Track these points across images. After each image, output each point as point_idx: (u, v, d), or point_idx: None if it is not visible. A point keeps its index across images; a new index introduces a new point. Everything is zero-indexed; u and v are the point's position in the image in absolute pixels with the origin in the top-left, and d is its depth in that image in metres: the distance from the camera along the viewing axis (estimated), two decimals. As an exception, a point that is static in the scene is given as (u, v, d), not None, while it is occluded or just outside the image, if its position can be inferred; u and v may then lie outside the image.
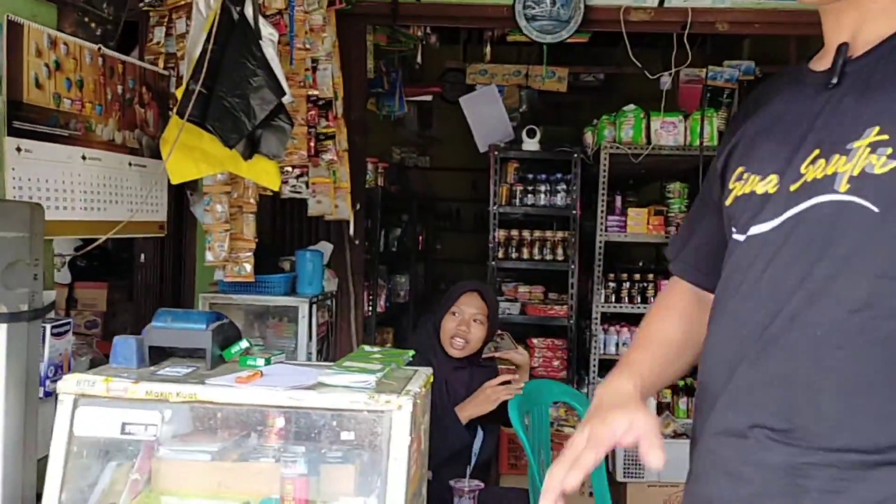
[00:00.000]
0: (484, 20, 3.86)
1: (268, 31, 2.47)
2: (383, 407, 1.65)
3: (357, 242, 3.83)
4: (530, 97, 5.25)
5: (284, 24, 2.88)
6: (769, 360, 0.95)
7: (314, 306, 3.25)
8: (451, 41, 5.71)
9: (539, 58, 5.35)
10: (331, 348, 3.63)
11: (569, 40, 3.83)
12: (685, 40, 3.70)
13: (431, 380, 1.94)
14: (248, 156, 2.42)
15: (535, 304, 4.48)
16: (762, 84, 1.21)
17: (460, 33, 5.61)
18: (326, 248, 3.58)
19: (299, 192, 3.11)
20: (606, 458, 2.94)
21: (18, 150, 1.93)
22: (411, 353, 2.04)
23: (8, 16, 1.91)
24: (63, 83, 2.11)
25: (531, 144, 4.47)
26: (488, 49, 5.06)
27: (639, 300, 4.10)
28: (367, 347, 2.12)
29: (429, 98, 5.58)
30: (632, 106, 4.18)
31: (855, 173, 0.91)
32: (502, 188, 4.55)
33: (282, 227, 3.84)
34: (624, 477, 3.59)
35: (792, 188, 0.98)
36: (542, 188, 4.51)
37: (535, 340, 4.38)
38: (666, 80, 4.10)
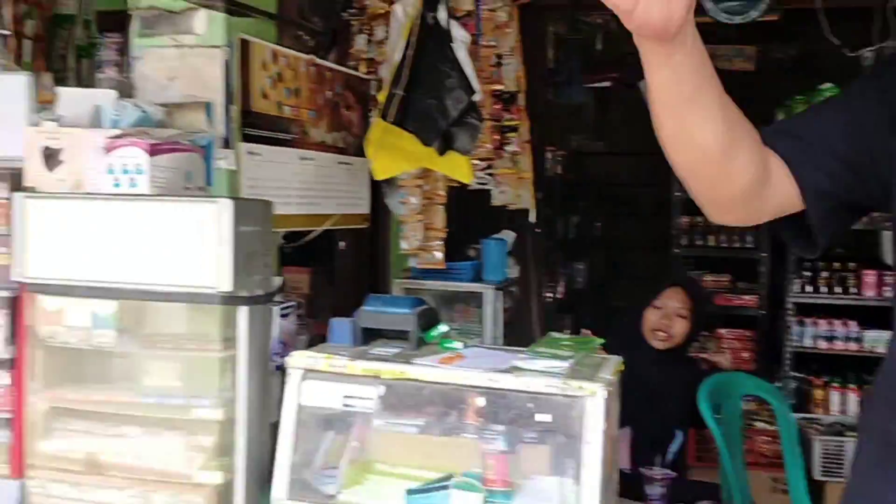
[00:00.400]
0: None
1: (460, 34, 2.61)
2: (577, 392, 1.74)
3: (538, 231, 3.93)
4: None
5: (473, 24, 3.01)
6: None
7: (499, 292, 3.39)
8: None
9: (725, 36, 5.16)
10: (514, 334, 3.75)
11: (759, 18, 3.69)
12: (889, 13, 3.45)
13: (622, 368, 1.99)
14: (442, 152, 2.58)
15: (722, 293, 4.37)
16: None
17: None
18: (509, 236, 3.70)
19: (485, 184, 3.25)
20: (804, 454, 2.85)
21: (250, 154, 2.19)
22: (599, 341, 2.11)
23: (241, 36, 2.17)
24: (283, 92, 2.36)
25: (717, 129, 4.33)
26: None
27: (838, 290, 3.89)
28: (555, 334, 2.21)
29: (607, 84, 5.55)
30: (829, 84, 3.96)
31: None
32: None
33: (467, 216, 4.00)
34: (822, 475, 3.45)
35: None
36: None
37: (722, 331, 4.28)
38: (868, 56, 3.83)
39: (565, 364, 1.83)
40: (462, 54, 2.60)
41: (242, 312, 1.86)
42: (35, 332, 1.92)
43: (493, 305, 3.36)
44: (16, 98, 2.09)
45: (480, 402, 1.84)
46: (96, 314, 1.86)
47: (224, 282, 1.80)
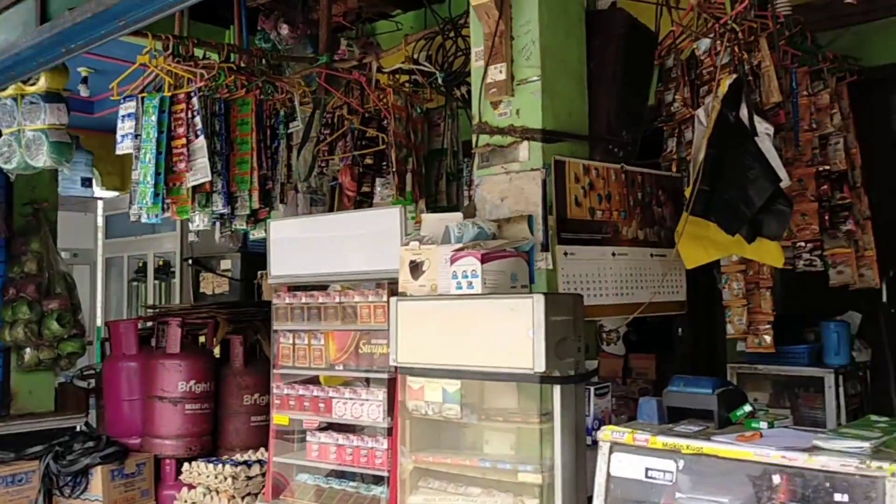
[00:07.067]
0: None
1: (763, 127, 2.74)
2: (875, 473, 1.74)
3: (893, 311, 3.66)
4: None
5: (785, 112, 3.09)
6: None
7: (841, 377, 3.25)
8: None
9: None
10: (869, 422, 3.50)
11: None
12: None
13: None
14: (750, 239, 2.69)
15: None
16: None
17: None
18: (854, 318, 3.53)
19: (813, 265, 3.20)
20: None
21: (565, 254, 2.57)
22: (925, 425, 2.02)
23: (554, 157, 2.59)
24: (595, 199, 2.72)
25: None
26: None
27: None
28: (874, 417, 2.16)
29: None
30: None
31: None
32: None
33: (805, 298, 3.88)
34: None
35: None
36: None
37: None
38: None
39: (867, 444, 1.83)
40: (767, 145, 2.72)
41: (556, 390, 2.20)
42: (405, 405, 2.48)
43: (833, 390, 3.22)
44: (393, 225, 2.77)
45: (776, 479, 1.92)
46: (446, 391, 2.35)
47: (539, 363, 2.17)
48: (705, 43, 2.97)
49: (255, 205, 3.57)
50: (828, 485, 1.83)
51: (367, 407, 2.72)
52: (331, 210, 3.86)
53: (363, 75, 3.53)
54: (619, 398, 3.41)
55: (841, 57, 3.47)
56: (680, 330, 4.35)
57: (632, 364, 5.24)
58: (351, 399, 2.77)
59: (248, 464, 3.46)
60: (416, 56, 3.58)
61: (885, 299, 3.56)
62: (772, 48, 2.92)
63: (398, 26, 4.53)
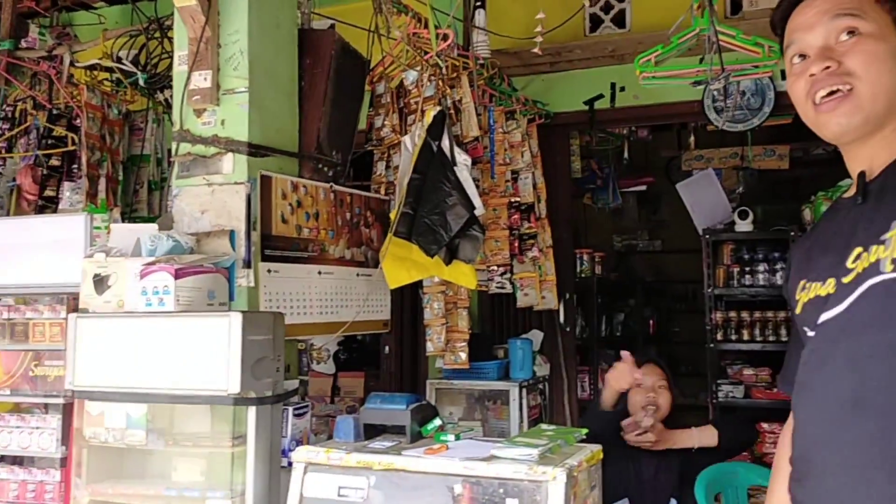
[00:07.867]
0: (675, 117, 4.08)
1: (462, 158, 2.93)
2: (540, 477, 1.91)
3: (568, 329, 4.10)
4: (747, 177, 5.24)
5: (483, 146, 3.34)
6: (864, 421, 1.14)
7: (524, 390, 3.56)
8: (665, 129, 5.90)
9: (759, 137, 5.35)
10: (547, 431, 3.88)
11: (771, 123, 3.90)
12: None
13: (600, 456, 2.14)
14: (448, 262, 2.86)
15: (762, 387, 4.38)
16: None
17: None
18: (536, 336, 3.90)
19: (504, 288, 3.49)
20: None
21: (269, 271, 2.52)
22: (584, 431, 2.26)
23: (261, 171, 2.54)
24: (303, 216, 2.70)
25: (744, 226, 4.49)
26: (692, 139, 5.19)
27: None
28: (544, 426, 2.38)
29: (643, 188, 5.78)
30: (849, 180, 4.06)
31: (895, 256, 1.14)
32: (718, 270, 4.59)
33: (498, 318, 4.23)
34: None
35: (846, 280, 1.22)
36: (760, 268, 4.48)
37: (764, 425, 4.26)
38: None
39: (536, 451, 2.00)
40: (465, 175, 2.91)
41: (251, 412, 2.13)
42: (81, 433, 2.24)
43: (518, 402, 3.53)
44: (77, 234, 2.51)
45: (458, 488, 2.03)
46: (129, 416, 2.17)
47: (234, 384, 2.08)
48: (413, 74, 3.12)
49: None
50: (502, 491, 1.98)
51: (38, 436, 2.42)
52: (8, 214, 3.41)
53: (53, 67, 3.19)
54: (326, 417, 3.41)
55: (531, 101, 3.85)
56: (387, 348, 4.49)
57: (340, 382, 5.30)
58: (18, 427, 2.45)
59: None
60: (117, 54, 3.31)
61: (562, 319, 3.99)
62: (472, 86, 3.15)
63: (101, 20, 4.17)
